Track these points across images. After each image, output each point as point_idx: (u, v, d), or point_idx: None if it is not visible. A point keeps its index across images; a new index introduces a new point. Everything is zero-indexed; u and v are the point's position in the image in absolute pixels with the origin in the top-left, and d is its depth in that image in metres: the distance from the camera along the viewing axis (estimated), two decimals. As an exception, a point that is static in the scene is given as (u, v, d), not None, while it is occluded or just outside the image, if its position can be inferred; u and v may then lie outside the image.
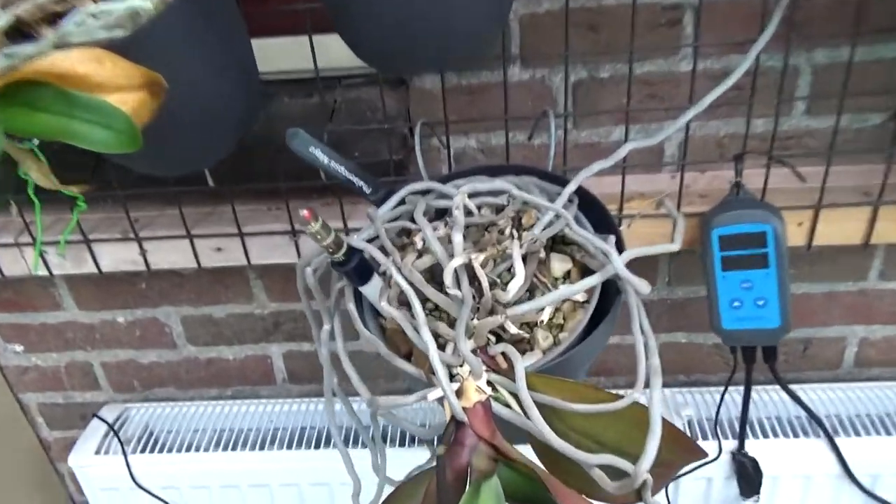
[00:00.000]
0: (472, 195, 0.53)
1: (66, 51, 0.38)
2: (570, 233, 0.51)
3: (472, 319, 0.46)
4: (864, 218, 0.70)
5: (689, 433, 0.82)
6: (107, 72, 0.39)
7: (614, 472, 0.43)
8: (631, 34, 0.63)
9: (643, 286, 0.47)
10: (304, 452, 0.85)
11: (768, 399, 0.84)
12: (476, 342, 0.47)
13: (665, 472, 0.47)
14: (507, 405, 0.45)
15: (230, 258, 0.77)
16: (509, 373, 0.45)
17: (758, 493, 0.78)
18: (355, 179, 0.56)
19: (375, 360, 0.52)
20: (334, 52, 0.62)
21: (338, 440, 0.54)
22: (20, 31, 0.40)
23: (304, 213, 0.44)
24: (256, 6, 0.57)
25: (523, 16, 0.70)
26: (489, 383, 0.45)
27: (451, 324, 0.47)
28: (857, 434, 0.79)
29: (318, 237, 0.45)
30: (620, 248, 0.51)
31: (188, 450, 0.88)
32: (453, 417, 0.44)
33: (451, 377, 0.45)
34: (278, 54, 0.73)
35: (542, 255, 0.52)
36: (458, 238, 0.47)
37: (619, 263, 0.47)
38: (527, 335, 0.48)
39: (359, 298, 0.53)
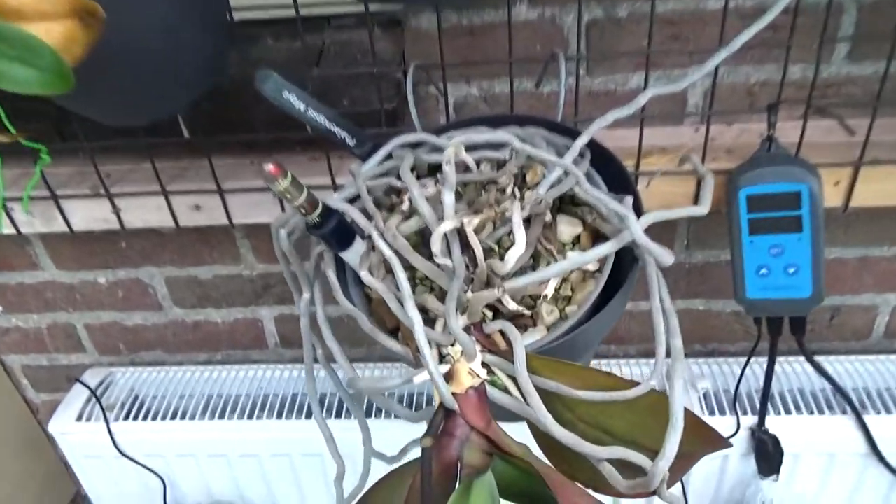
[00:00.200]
0: (468, 148, 0.47)
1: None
2: (580, 192, 0.44)
3: (466, 292, 0.40)
4: (910, 176, 0.63)
5: (704, 406, 0.77)
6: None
7: (626, 466, 0.37)
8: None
9: (665, 256, 0.40)
10: (296, 422, 0.81)
11: (791, 371, 0.79)
12: (469, 318, 0.41)
13: (683, 464, 0.42)
14: (506, 390, 0.39)
15: (211, 217, 0.71)
16: (508, 353, 0.39)
17: (777, 472, 0.73)
18: (337, 130, 0.49)
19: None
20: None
21: (319, 418, 0.49)
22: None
23: (270, 167, 0.38)
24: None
25: (532, -55, 0.62)
26: (484, 365, 0.40)
27: (443, 296, 0.41)
28: (887, 410, 0.74)
29: (288, 196, 0.39)
30: (638, 210, 0.45)
31: (175, 417, 0.84)
32: (441, 404, 0.38)
33: (441, 358, 0.39)
34: (260, -10, 0.66)
35: (549, 217, 0.46)
36: (448, 198, 0.40)
37: (636, 229, 0.41)
38: (528, 312, 0.42)
39: (341, 264, 0.47)
